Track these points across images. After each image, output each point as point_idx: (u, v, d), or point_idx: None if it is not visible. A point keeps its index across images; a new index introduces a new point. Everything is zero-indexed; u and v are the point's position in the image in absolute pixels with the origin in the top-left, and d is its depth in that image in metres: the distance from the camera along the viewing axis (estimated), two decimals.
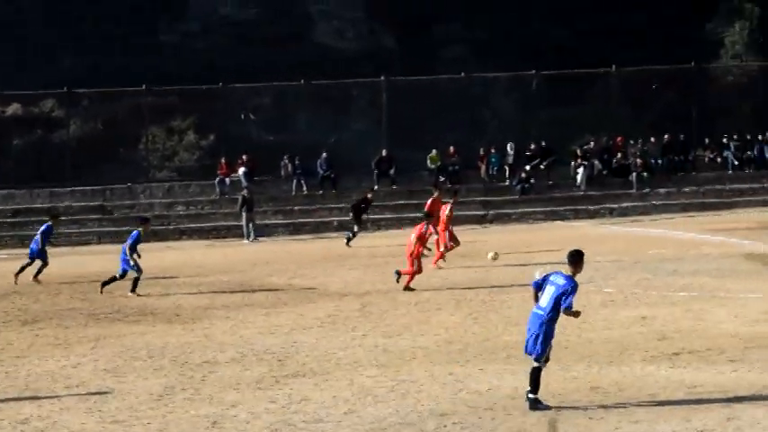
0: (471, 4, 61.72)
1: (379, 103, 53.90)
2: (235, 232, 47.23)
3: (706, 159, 53.64)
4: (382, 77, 53.40)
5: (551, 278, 15.71)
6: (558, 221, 47.29)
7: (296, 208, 50.44)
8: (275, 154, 52.13)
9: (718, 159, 53.41)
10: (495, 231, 45.33)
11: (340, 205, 48.52)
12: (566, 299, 15.37)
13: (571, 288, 15.44)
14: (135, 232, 29.66)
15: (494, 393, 16.56)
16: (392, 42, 63.36)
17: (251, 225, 46.24)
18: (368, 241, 42.06)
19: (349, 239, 41.45)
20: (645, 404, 15.61)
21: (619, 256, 33.67)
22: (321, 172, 51.48)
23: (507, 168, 52.06)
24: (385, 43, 63.49)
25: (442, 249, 33.24)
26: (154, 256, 35.80)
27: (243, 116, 57.54)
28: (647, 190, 51.25)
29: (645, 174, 51.63)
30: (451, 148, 52.18)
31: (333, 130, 56.05)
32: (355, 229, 42.38)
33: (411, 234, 29.38)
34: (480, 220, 47.96)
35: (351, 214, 43.68)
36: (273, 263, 36.29)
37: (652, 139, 53.21)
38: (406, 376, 17.96)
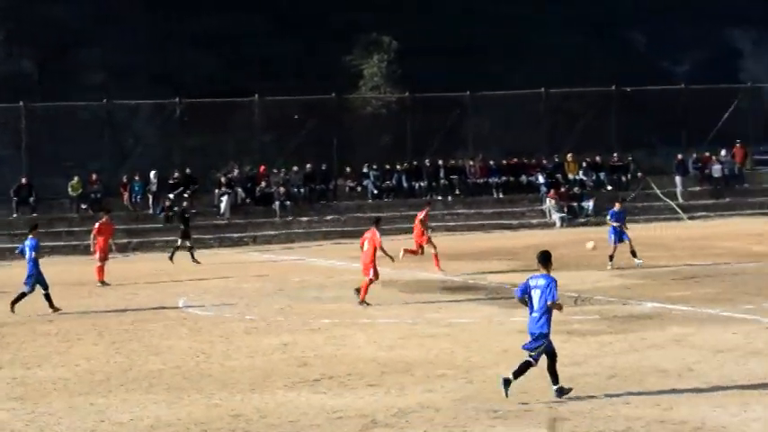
0: (108, 29, 60.83)
1: (18, 129, 52.30)
2: None
3: (347, 188, 54.92)
4: (21, 103, 51.88)
5: (532, 283, 17.31)
6: (203, 250, 47.22)
7: None
8: None
9: (359, 188, 54.80)
10: (139, 260, 44.80)
11: None
12: (550, 293, 16.99)
13: (553, 283, 17.12)
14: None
15: (136, 424, 16.38)
16: (31, 67, 61.67)
17: None
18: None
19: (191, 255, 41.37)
20: (286, 430, 15.81)
21: (262, 284, 33.98)
22: None
23: (151, 196, 51.60)
24: (24, 68, 61.72)
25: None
26: None
27: None
28: (289, 218, 51.96)
29: (288, 202, 52.35)
30: (94, 176, 51.26)
31: None
32: (187, 243, 41.98)
33: (363, 243, 29.45)
34: (123, 249, 47.19)
35: (182, 226, 43.09)
36: None
37: (295, 168, 54.03)
38: (45, 408, 17.50)
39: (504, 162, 56.39)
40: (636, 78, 62.13)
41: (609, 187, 56.25)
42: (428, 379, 19.12)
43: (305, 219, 52.18)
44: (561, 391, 17.19)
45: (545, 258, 17.54)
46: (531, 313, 17.43)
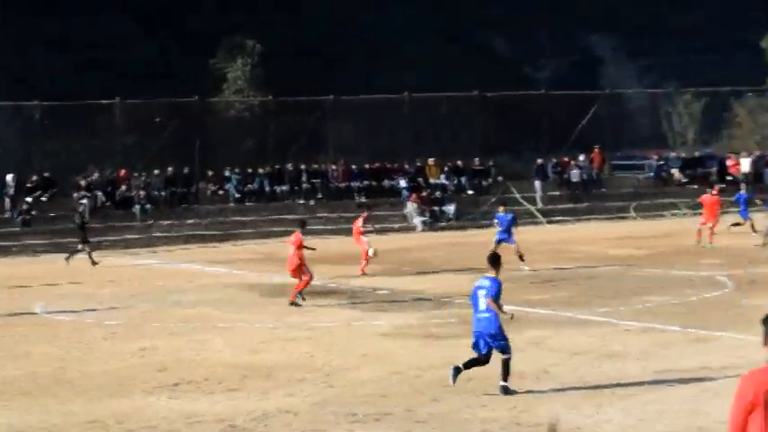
0: None
1: None
2: None
3: (209, 192, 54.57)
4: None
5: (478, 284, 17.93)
6: (63, 254, 46.48)
7: None
8: None
9: (221, 192, 54.49)
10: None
11: None
12: (488, 293, 17.56)
13: (497, 285, 17.69)
14: None
15: None
16: None
17: None
18: None
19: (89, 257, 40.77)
20: None
21: (120, 289, 33.58)
22: None
23: (8, 200, 50.61)
24: None
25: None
26: None
27: None
28: (150, 222, 51.43)
29: (148, 205, 51.83)
30: None
31: None
32: (87, 248, 41.41)
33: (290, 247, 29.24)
34: None
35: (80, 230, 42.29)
36: None
37: (156, 172, 53.49)
38: None
39: (367, 166, 56.58)
40: (498, 84, 62.92)
41: (470, 192, 56.84)
42: (289, 383, 19.12)
43: (166, 222, 51.65)
44: (456, 374, 17.76)
45: (493, 261, 18.11)
46: (475, 313, 17.85)
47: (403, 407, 17.12)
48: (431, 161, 56.95)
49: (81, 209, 47.08)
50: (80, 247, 41.98)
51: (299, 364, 20.86)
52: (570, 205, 56.98)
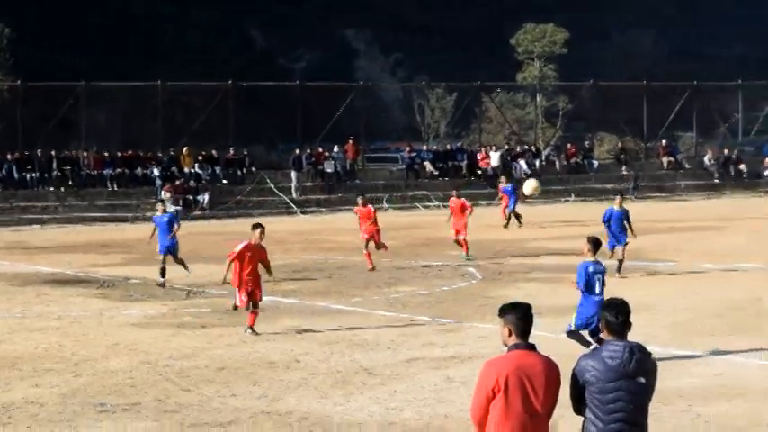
0: None
1: None
2: None
3: None
4: None
5: (595, 268, 18.85)
6: None
7: None
8: None
9: None
10: None
11: None
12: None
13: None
14: None
15: None
16: None
17: None
18: None
19: None
20: None
21: None
22: None
23: None
24: None
25: None
26: None
27: None
28: None
29: None
30: None
31: None
32: None
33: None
34: None
35: None
36: None
37: None
38: None
39: (119, 154, 55.71)
40: (255, 74, 62.93)
41: (224, 181, 56.65)
42: (35, 373, 18.68)
43: None
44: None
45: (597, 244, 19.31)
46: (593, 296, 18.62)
47: (153, 396, 16.95)
48: (185, 150, 56.48)
49: None
50: None
51: (46, 354, 20.40)
52: (324, 196, 57.42)
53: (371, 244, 32.89)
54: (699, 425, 15.14)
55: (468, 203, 36.23)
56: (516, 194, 45.74)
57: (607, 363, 9.30)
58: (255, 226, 22.54)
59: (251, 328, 21.94)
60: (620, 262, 29.83)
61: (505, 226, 44.76)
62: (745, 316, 23.56)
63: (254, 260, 22.02)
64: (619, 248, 30.07)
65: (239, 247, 22.06)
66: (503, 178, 49.00)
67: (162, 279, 29.31)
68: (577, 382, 9.42)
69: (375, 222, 33.20)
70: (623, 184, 59.86)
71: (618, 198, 31.49)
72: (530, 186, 40.61)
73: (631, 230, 30.68)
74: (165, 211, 30.86)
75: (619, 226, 30.37)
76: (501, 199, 47.46)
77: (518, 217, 45.39)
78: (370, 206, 34.01)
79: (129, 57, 74.32)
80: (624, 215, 30.61)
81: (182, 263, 30.09)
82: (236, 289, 22.02)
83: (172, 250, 29.95)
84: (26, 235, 45.66)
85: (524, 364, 9.29)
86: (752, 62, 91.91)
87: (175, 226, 30.15)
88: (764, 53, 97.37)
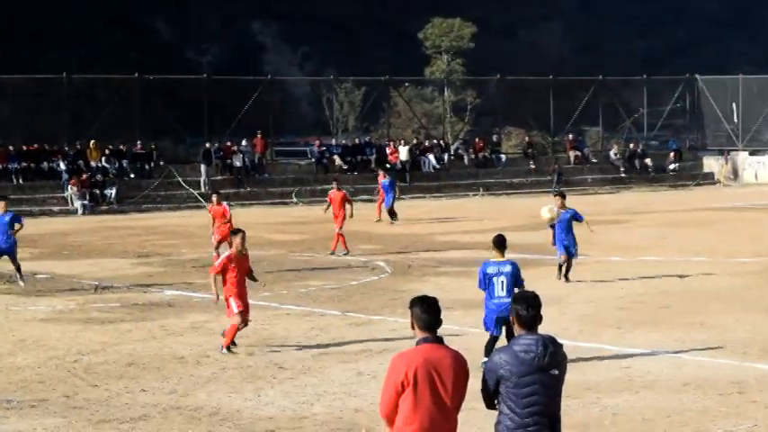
0: None
1: None
2: None
3: None
4: None
5: (491, 270, 18.03)
6: None
7: None
8: None
9: None
10: None
11: None
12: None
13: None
14: None
15: None
16: None
17: None
18: None
19: None
20: None
21: None
22: None
23: None
24: None
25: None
26: None
27: None
28: None
29: None
30: None
31: None
32: None
33: None
34: None
35: None
36: None
37: None
38: None
39: (25, 148, 54.94)
40: (161, 67, 62.41)
41: (132, 175, 56.16)
42: None
43: None
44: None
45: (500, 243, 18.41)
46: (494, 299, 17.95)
47: (60, 392, 16.80)
48: (92, 144, 55.87)
49: None
50: None
51: None
52: (233, 190, 57.09)
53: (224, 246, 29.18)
54: (606, 417, 15.34)
55: (348, 197, 36.26)
56: (394, 190, 45.26)
57: (520, 357, 9.35)
58: (236, 232, 20.50)
59: (228, 347, 19.64)
60: (568, 269, 27.52)
61: (378, 220, 44.64)
62: (652, 309, 23.90)
63: (238, 269, 19.84)
64: (564, 257, 27.42)
65: (220, 261, 20.36)
66: (381, 172, 48.18)
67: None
68: (491, 377, 9.47)
69: (230, 222, 30.64)
70: (548, 178, 61.08)
71: (559, 200, 28.22)
72: (547, 215, 37.86)
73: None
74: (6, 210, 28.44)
75: (564, 229, 27.46)
76: (378, 193, 47.03)
77: (393, 214, 44.70)
78: (224, 204, 32.24)
79: (34, 47, 73.42)
80: (572, 216, 27.58)
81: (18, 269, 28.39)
82: (230, 298, 19.75)
83: (8, 251, 27.99)
84: None
85: (433, 358, 9.34)
86: (656, 57, 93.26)
87: (17, 226, 28.04)
88: (668, 48, 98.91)
